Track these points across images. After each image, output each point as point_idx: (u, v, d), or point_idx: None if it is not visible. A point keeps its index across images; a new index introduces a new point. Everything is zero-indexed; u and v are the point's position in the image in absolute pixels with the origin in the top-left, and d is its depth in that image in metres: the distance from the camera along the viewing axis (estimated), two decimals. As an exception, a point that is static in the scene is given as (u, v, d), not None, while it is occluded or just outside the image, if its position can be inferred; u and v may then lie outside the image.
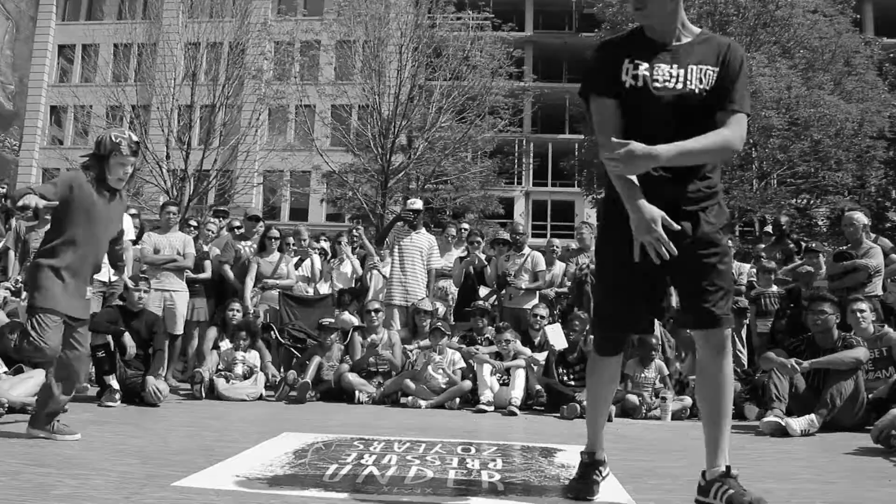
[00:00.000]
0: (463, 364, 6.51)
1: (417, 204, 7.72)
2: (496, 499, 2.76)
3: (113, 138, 3.72)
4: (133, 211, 8.34)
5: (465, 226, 9.04)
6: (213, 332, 6.93)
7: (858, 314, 5.22)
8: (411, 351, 6.79)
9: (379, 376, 6.51)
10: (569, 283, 7.98)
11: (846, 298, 5.69)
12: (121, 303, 6.19)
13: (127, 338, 5.66)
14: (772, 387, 4.92)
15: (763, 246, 8.48)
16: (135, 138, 3.84)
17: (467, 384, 6.35)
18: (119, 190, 3.82)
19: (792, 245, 7.79)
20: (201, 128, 20.51)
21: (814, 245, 7.24)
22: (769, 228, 8.64)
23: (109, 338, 5.65)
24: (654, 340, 6.07)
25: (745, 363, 6.94)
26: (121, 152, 3.69)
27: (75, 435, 3.81)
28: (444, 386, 6.32)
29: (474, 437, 4.31)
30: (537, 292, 7.63)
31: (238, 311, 6.96)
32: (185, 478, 2.93)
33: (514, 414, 5.82)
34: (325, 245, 8.87)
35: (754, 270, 7.61)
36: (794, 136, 19.91)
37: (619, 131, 2.46)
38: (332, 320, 6.94)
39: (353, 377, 6.41)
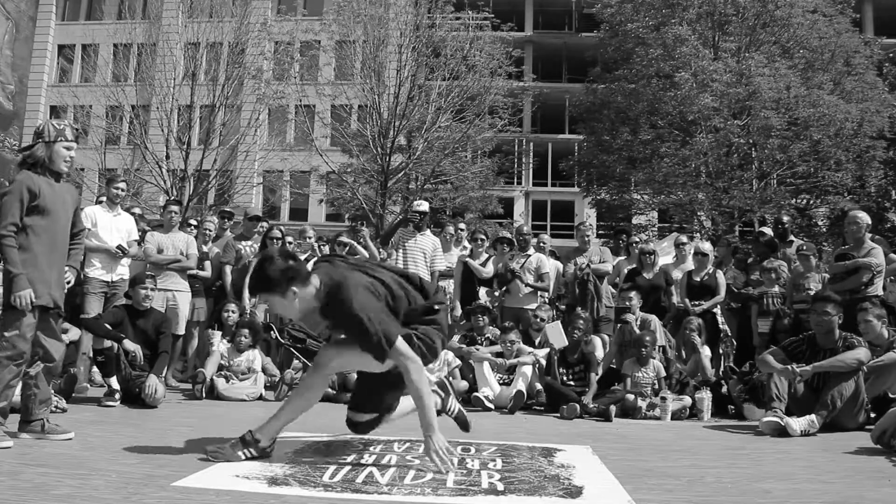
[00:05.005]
0: (458, 363, 6.51)
1: (423, 206, 7.71)
2: (496, 499, 2.76)
3: (56, 125, 3.81)
4: (137, 211, 8.33)
5: (462, 226, 9.05)
6: (215, 333, 6.92)
7: (864, 324, 5.23)
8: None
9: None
10: (565, 285, 8.02)
11: (847, 300, 5.69)
12: (126, 301, 6.18)
13: (127, 343, 5.55)
14: (772, 386, 4.90)
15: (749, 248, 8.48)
16: (75, 125, 3.95)
17: (464, 384, 6.34)
18: (62, 174, 3.87)
19: (773, 240, 7.73)
20: (201, 128, 20.50)
21: (805, 248, 7.21)
22: (765, 229, 8.57)
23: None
24: (647, 338, 6.07)
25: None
26: (66, 137, 3.79)
27: (68, 434, 3.81)
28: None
29: (474, 437, 4.31)
30: (538, 294, 7.65)
31: (234, 311, 6.95)
32: (185, 478, 2.93)
33: (521, 396, 5.94)
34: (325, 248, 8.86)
35: (732, 274, 7.58)
36: (794, 136, 19.89)
37: None
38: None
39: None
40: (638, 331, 6.49)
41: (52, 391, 4.97)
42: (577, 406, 5.67)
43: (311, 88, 21.57)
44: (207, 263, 7.54)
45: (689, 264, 7.56)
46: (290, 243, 7.85)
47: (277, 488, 2.81)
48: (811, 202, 22.25)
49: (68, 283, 3.97)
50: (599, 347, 6.68)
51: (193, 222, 8.20)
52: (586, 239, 8.11)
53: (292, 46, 22.20)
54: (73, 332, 6.05)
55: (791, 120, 19.69)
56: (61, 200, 3.81)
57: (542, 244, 8.29)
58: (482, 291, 7.64)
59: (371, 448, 3.72)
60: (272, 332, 7.14)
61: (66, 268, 3.93)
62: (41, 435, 3.75)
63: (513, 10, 29.01)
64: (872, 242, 6.55)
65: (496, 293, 7.63)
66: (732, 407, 5.91)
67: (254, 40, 20.91)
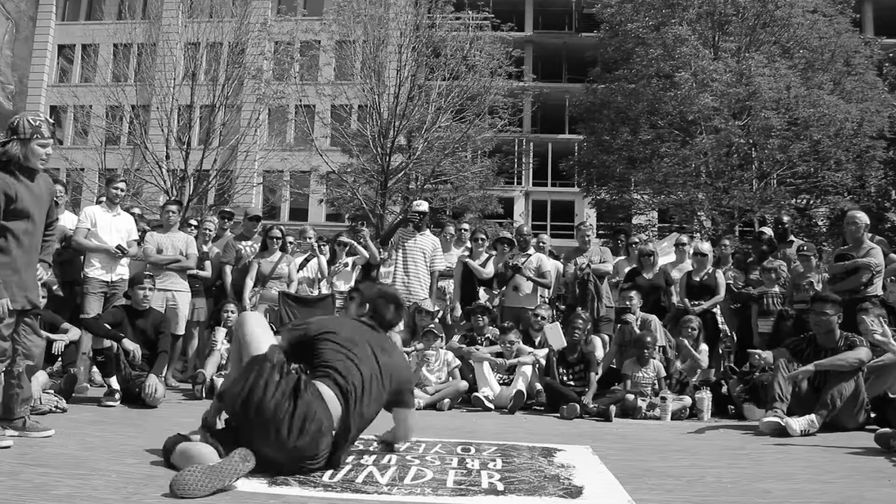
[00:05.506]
0: (458, 363, 6.51)
1: (423, 206, 7.70)
2: (496, 499, 2.76)
3: (31, 121, 3.67)
4: (137, 211, 8.34)
5: (465, 226, 9.05)
6: (219, 330, 6.91)
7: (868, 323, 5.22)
8: (409, 353, 6.77)
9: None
10: (565, 285, 8.03)
11: (847, 300, 5.69)
12: (126, 301, 6.17)
13: (127, 343, 5.53)
14: (775, 386, 4.90)
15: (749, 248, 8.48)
16: (50, 119, 3.83)
17: (463, 384, 6.34)
18: (37, 170, 3.74)
19: (765, 247, 7.74)
20: (201, 128, 20.50)
21: (805, 248, 7.21)
22: (766, 229, 8.58)
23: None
24: (648, 339, 6.07)
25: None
26: (42, 135, 3.67)
27: (48, 431, 3.81)
28: (439, 388, 6.30)
29: (474, 437, 4.31)
30: (538, 294, 7.65)
31: (233, 311, 6.93)
32: (185, 478, 2.93)
33: (521, 397, 5.93)
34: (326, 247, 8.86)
35: (732, 274, 7.59)
36: (794, 136, 19.89)
37: None
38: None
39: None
40: (638, 331, 6.49)
41: (52, 391, 4.98)
42: (577, 406, 5.67)
43: (311, 88, 21.57)
44: (207, 263, 7.54)
45: (689, 264, 7.57)
46: (290, 243, 7.85)
47: (277, 488, 2.81)
48: (811, 202, 22.24)
49: (40, 278, 3.90)
50: (599, 347, 6.68)
51: (193, 222, 8.20)
52: (586, 239, 8.12)
53: (292, 46, 22.20)
54: (73, 332, 6.04)
55: (791, 120, 19.68)
56: (38, 200, 3.72)
57: (542, 244, 8.31)
58: (482, 291, 7.64)
59: (371, 448, 3.72)
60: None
61: (39, 264, 3.84)
62: (22, 431, 3.74)
63: (513, 10, 29.02)
64: (872, 242, 6.56)
65: (496, 293, 7.63)
66: (732, 407, 5.91)
67: (254, 40, 20.91)
